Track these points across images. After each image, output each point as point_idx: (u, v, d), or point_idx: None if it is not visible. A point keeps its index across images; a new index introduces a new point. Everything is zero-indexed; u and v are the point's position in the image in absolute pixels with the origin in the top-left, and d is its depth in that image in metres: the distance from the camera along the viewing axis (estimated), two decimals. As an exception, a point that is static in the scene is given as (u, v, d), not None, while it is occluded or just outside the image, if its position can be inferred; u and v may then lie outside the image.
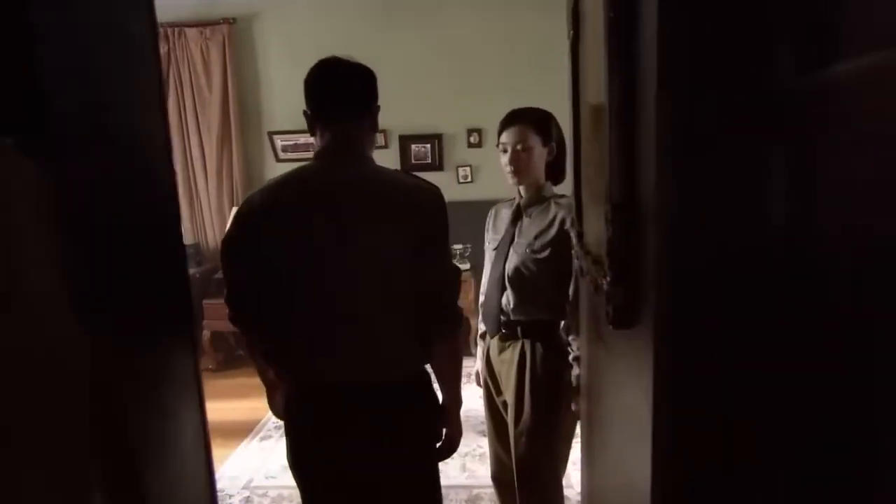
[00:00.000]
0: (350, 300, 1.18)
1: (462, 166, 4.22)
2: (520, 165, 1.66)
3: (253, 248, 1.22)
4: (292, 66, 4.40)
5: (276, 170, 4.34)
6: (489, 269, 1.80)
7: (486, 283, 1.80)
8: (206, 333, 3.89)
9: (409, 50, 4.10)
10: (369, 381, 1.20)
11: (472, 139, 4.18)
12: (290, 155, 4.24)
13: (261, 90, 4.24)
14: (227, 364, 3.96)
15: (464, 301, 3.93)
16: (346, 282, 1.17)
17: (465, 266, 4.04)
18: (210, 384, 3.81)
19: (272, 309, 1.23)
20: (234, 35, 4.06)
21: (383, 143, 4.21)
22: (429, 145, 4.20)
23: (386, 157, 4.25)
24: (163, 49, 4.05)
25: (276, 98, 4.24)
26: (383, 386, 1.20)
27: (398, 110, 4.21)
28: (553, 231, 1.63)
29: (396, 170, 1.40)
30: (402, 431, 1.22)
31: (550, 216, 1.67)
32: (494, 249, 1.79)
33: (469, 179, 4.24)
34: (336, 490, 1.25)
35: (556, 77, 4.05)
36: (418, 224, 1.19)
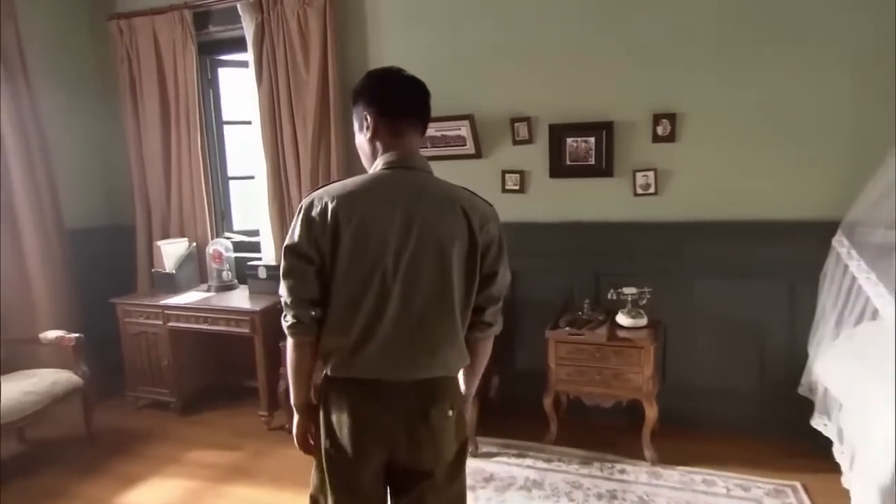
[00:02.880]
0: (416, 306, 1.23)
1: (642, 170, 2.85)
2: None
3: (324, 249, 1.24)
4: (410, 35, 3.14)
5: (384, 172, 3.34)
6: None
7: None
8: (282, 385, 3.02)
9: (565, 7, 2.84)
10: (422, 379, 1.26)
11: (659, 130, 2.79)
12: (401, 153, 3.21)
13: (369, 68, 3.25)
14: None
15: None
16: (414, 288, 1.23)
17: (640, 321, 2.66)
18: (277, 454, 2.77)
19: (338, 311, 1.25)
20: (338, -3, 3.15)
21: (526, 137, 2.99)
22: (592, 139, 2.89)
23: (530, 154, 3.04)
24: (256, 20, 3.26)
25: (387, 78, 3.23)
26: (432, 380, 1.27)
27: (549, 90, 2.96)
28: None
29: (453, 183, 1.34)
30: (442, 420, 1.28)
31: None
32: None
33: (651, 190, 2.85)
34: (371, 478, 1.30)
35: (814, 43, 2.52)
36: (482, 235, 1.27)
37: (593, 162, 2.91)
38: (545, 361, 2.78)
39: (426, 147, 3.13)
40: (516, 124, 2.98)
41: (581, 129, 2.89)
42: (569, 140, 2.92)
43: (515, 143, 3.02)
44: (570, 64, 2.88)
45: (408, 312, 1.23)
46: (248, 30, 3.29)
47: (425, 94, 1.34)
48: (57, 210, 3.48)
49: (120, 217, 3.91)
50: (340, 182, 1.28)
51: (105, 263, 3.82)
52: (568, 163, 2.95)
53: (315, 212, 1.24)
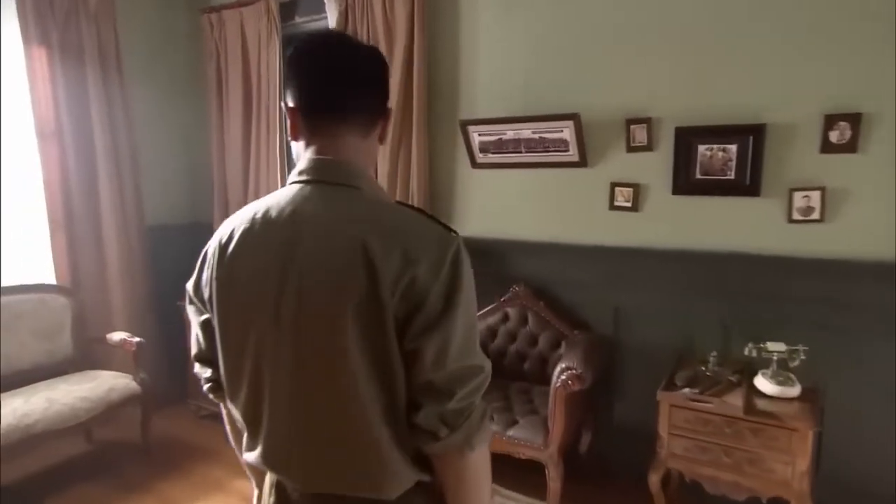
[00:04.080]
0: (307, 393, 0.83)
1: (803, 189, 2.16)
2: None
3: (204, 299, 0.92)
4: (508, 20, 2.65)
5: (470, 180, 2.90)
6: None
7: None
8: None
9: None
10: (346, 496, 0.86)
11: (833, 135, 2.09)
12: (490, 157, 2.75)
13: (460, 60, 2.84)
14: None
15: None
16: (301, 370, 0.82)
17: (791, 390, 2.00)
18: None
19: (224, 383, 0.92)
20: (429, -21, 2.76)
21: (644, 142, 2.41)
22: (733, 146, 2.25)
23: (649, 164, 2.45)
24: (340, 8, 2.96)
25: (480, 71, 2.79)
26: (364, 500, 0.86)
27: (677, 83, 2.35)
28: None
29: (403, 204, 0.85)
30: None
31: None
32: None
33: (815, 216, 2.15)
34: None
35: None
36: (398, 289, 0.77)
37: (733, 176, 2.26)
38: (654, 425, 2.18)
39: (519, 152, 2.64)
40: (633, 127, 2.41)
41: (719, 133, 2.26)
42: (701, 147, 2.30)
43: (630, 149, 2.45)
44: (706, 47, 2.26)
45: (297, 401, 0.84)
46: (332, 18, 3.00)
47: (365, 77, 0.87)
48: (139, 208, 3.42)
49: (202, 214, 3.82)
50: (256, 201, 0.92)
51: (184, 261, 3.72)
52: (698, 176, 2.33)
53: (210, 249, 0.92)
